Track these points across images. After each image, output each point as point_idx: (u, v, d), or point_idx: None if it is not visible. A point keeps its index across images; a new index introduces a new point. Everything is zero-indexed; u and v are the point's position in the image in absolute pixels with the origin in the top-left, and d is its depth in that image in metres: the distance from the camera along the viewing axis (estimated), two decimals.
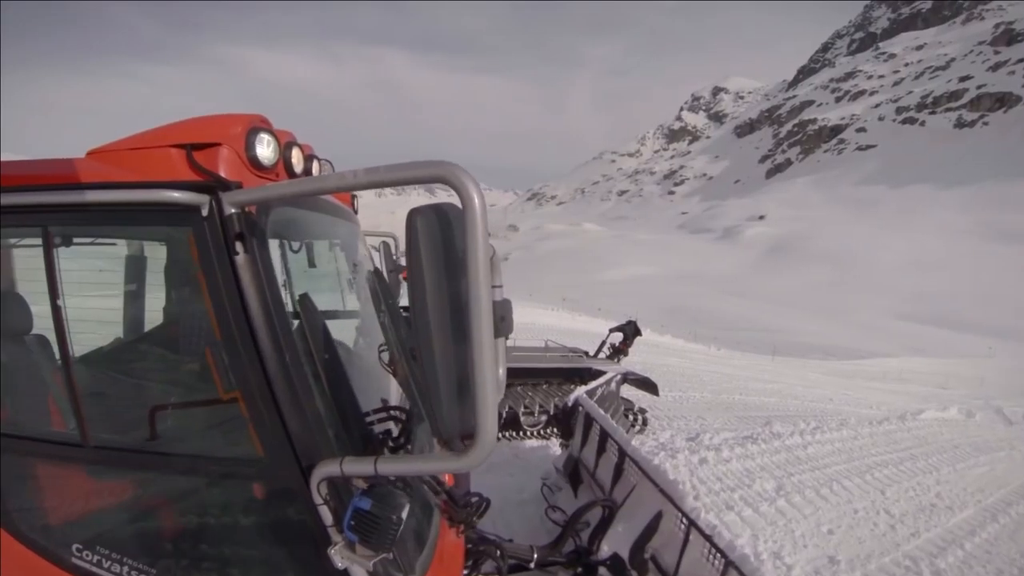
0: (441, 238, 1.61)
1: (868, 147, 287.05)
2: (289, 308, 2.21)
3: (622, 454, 4.91)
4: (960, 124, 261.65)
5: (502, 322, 1.85)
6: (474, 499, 3.40)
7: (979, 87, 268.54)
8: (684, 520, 4.03)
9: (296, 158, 2.25)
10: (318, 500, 1.86)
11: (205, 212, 1.84)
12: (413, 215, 1.63)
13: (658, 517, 4.27)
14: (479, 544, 3.91)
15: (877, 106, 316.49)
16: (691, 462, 8.00)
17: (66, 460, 2.24)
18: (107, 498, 2.35)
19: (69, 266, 2.15)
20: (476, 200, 1.50)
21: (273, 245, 2.19)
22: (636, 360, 18.19)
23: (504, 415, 9.96)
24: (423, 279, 1.60)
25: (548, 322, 33.55)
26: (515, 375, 11.40)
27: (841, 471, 8.49)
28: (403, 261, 4.41)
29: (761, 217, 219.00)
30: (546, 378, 11.72)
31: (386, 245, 4.46)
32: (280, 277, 2.14)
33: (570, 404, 6.45)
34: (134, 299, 3.30)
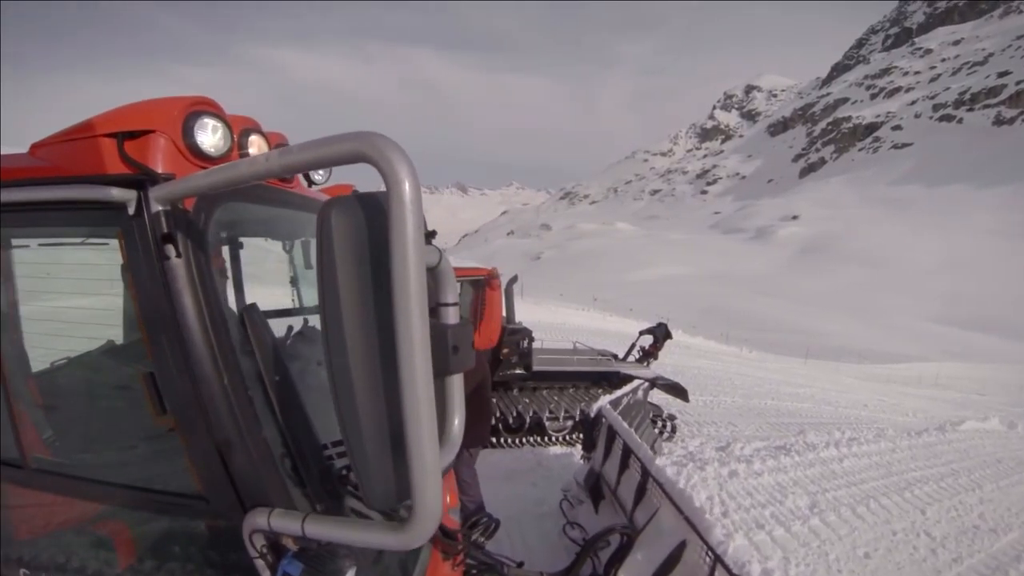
0: (368, 239, 1.30)
1: (904, 145, 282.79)
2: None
3: (645, 473, 4.63)
4: (999, 121, 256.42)
5: (454, 354, 1.47)
6: (483, 519, 3.13)
7: (1018, 83, 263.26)
8: (710, 553, 3.69)
9: (257, 147, 1.97)
10: (253, 553, 1.60)
11: (132, 210, 1.59)
12: (327, 209, 1.30)
13: (681, 547, 3.95)
14: (481, 570, 3.55)
15: (913, 103, 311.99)
16: (721, 475, 7.68)
17: (9, 481, 2.01)
18: (52, 523, 2.13)
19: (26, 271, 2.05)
20: (406, 184, 1.18)
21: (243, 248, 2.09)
22: (667, 362, 17.88)
23: (528, 420, 9.74)
24: (338, 295, 1.29)
25: (579, 322, 33.34)
26: (541, 378, 11.22)
27: (879, 487, 8.09)
28: None
29: (794, 217, 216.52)
30: (573, 382, 11.46)
31: None
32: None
33: (592, 415, 6.15)
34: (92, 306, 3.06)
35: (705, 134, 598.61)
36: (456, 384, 1.75)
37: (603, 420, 5.85)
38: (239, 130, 1.88)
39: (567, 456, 8.89)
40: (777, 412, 14.68)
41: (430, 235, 1.54)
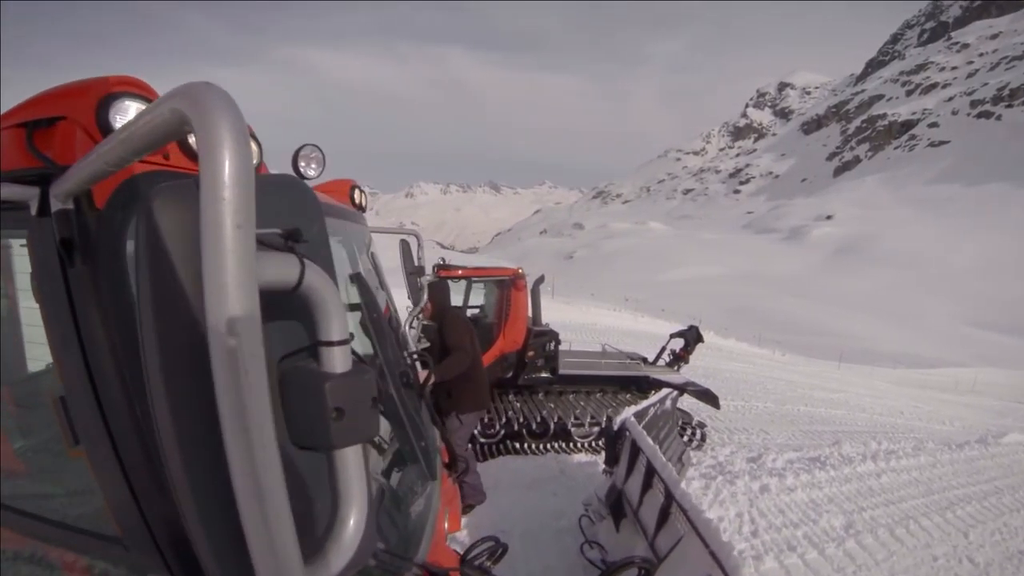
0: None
1: (941, 143, 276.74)
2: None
3: (669, 496, 4.35)
4: None
5: (338, 420, 1.06)
6: (488, 544, 2.91)
7: None
8: None
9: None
10: None
11: (34, 210, 1.36)
12: (148, 198, 0.98)
13: None
14: None
15: (950, 99, 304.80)
16: (751, 490, 7.37)
17: None
18: None
19: None
20: (225, 153, 0.82)
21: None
22: (698, 365, 17.55)
23: (553, 426, 9.49)
24: (154, 313, 0.99)
25: (609, 323, 32.95)
26: (567, 382, 10.98)
27: (919, 506, 7.68)
28: (422, 262, 4.01)
29: (828, 217, 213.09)
30: (600, 386, 11.18)
31: (405, 244, 4.01)
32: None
33: (615, 428, 5.85)
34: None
35: (738, 132, 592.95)
36: (352, 464, 1.20)
37: (627, 433, 5.56)
38: None
39: (591, 465, 8.64)
40: (810, 419, 14.26)
41: (288, 236, 1.08)
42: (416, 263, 4.06)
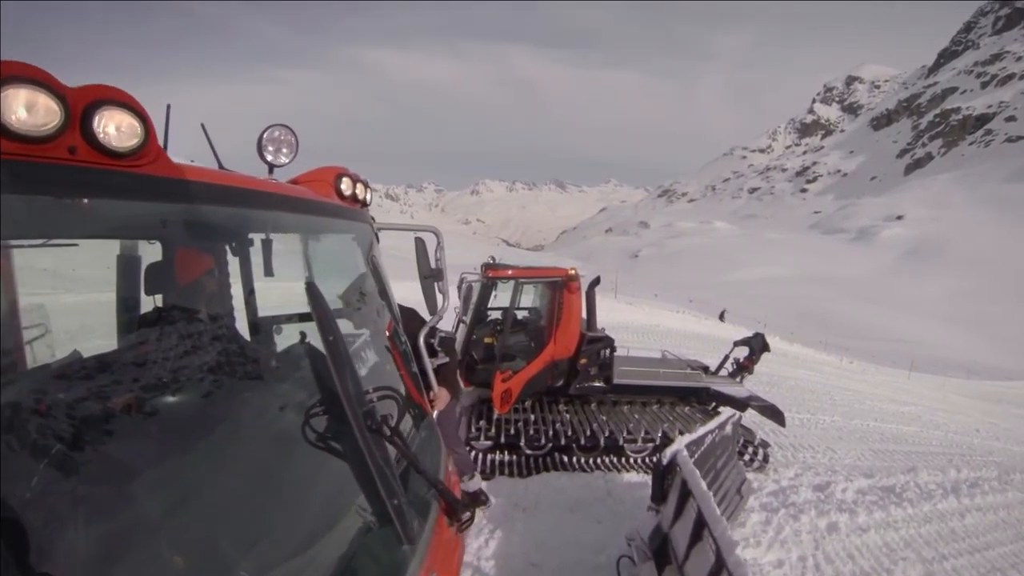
0: None
1: (1018, 138, 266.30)
2: None
3: (720, 561, 3.74)
4: None
5: None
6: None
7: None
8: None
9: (118, 126, 1.39)
10: None
11: None
12: None
13: None
14: None
15: None
16: (818, 528, 6.70)
17: None
18: None
19: None
20: None
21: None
22: (762, 372, 16.85)
23: (603, 440, 8.96)
24: None
25: (672, 325, 32.10)
26: (622, 391, 10.44)
27: (1007, 555, 6.85)
28: (441, 264, 3.46)
29: (899, 217, 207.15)
30: (658, 396, 10.62)
31: (420, 243, 3.52)
32: None
33: (665, 461, 5.14)
34: None
35: (804, 129, 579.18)
36: None
37: (677, 469, 4.96)
38: (87, 102, 1.34)
39: (642, 487, 8.06)
40: (881, 436, 13.41)
41: None
42: (434, 265, 3.56)
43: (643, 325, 30.17)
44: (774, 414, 9.54)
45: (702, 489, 4.34)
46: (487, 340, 10.30)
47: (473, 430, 9.05)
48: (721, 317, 46.44)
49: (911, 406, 19.31)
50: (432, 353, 4.64)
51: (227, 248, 2.65)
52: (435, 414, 3.60)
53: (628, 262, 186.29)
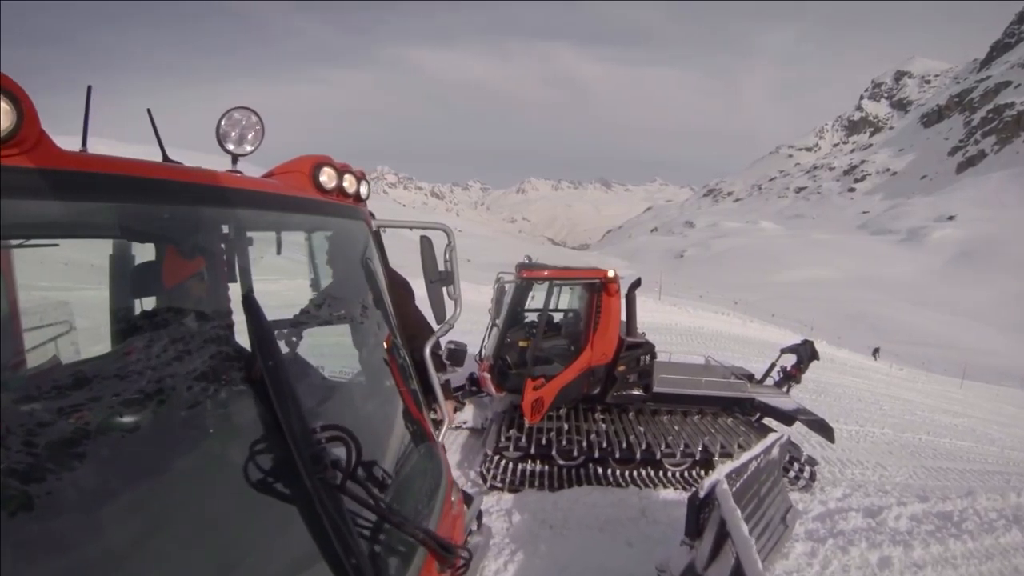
0: None
1: None
2: None
3: None
4: None
5: None
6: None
7: None
8: None
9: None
10: None
11: None
12: None
13: None
14: None
15: None
16: (869, 563, 6.17)
17: None
18: None
19: None
20: None
21: None
22: (808, 378, 16.22)
23: (640, 453, 8.53)
24: None
25: (717, 327, 31.41)
26: (662, 400, 10.01)
27: None
28: (451, 265, 3.16)
29: (950, 218, 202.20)
30: (699, 406, 10.15)
31: (426, 243, 3.13)
32: None
33: (703, 494, 4.67)
34: None
35: (852, 127, 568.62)
36: None
37: (716, 503, 4.50)
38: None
39: (678, 506, 7.59)
40: (934, 451, 12.75)
41: None
42: (443, 267, 3.17)
43: (687, 327, 29.52)
44: (823, 429, 9.01)
45: (743, 534, 3.91)
46: (521, 343, 9.95)
47: (502, 439, 8.70)
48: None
49: (964, 418, 18.62)
50: (440, 367, 4.27)
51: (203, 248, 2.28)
52: (443, 435, 3.22)
53: (673, 262, 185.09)
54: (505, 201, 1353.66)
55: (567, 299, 11.35)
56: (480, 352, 10.61)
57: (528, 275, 9.68)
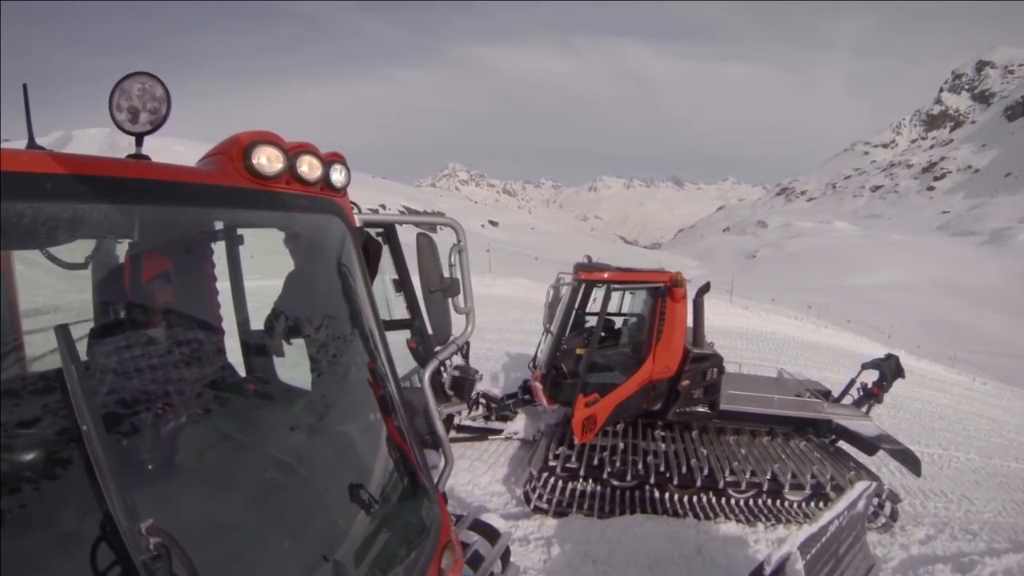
0: None
1: None
2: None
3: None
4: None
5: None
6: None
7: None
8: None
9: None
10: None
11: None
12: None
13: None
14: None
15: None
16: None
17: None
18: None
19: None
20: None
21: None
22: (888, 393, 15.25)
23: (701, 479, 7.80)
24: None
25: (789, 332, 30.18)
26: (728, 418, 9.27)
27: None
28: (458, 271, 2.69)
29: None
30: (770, 425, 9.37)
31: (426, 241, 2.54)
32: None
33: (770, 570, 3.80)
34: None
35: (931, 121, 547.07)
36: None
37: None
38: None
39: (739, 543, 6.95)
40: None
41: None
42: (448, 273, 2.57)
43: (758, 332, 28.46)
44: (909, 461, 8.14)
45: None
46: (579, 350, 9.30)
47: (551, 457, 8.08)
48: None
49: None
50: (442, 397, 3.65)
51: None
52: (444, 481, 2.64)
53: (745, 262, 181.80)
54: (577, 199, 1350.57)
55: (628, 303, 10.58)
56: (534, 359, 9.99)
57: (586, 276, 9.02)
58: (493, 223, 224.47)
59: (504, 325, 20.21)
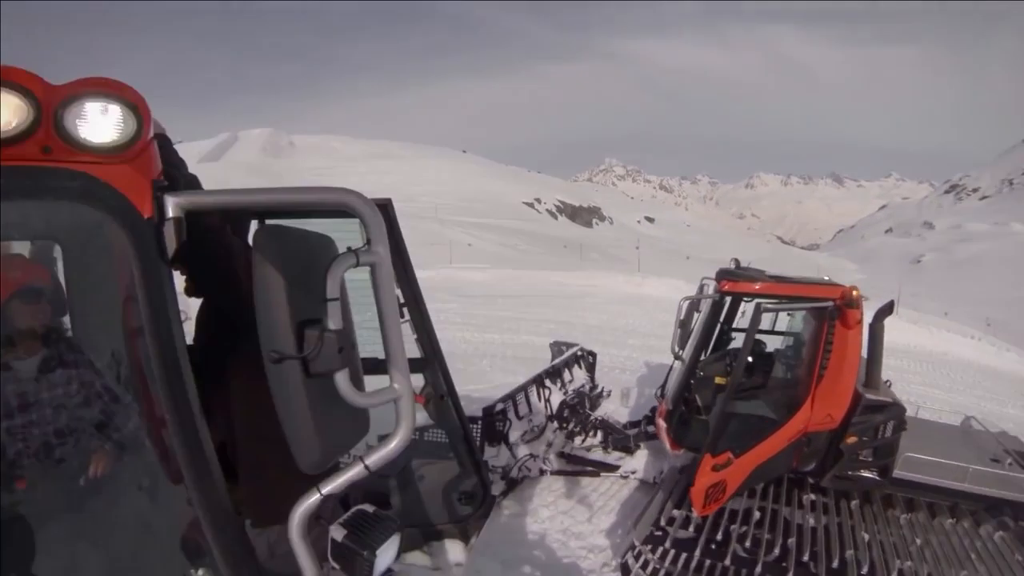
0: None
1: None
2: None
3: None
4: None
5: None
6: None
7: None
8: None
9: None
10: None
11: None
12: None
13: None
14: None
15: None
16: None
17: None
18: None
19: None
20: None
21: None
22: None
23: None
24: None
25: (964, 354, 25.67)
26: (903, 486, 7.01)
27: None
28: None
29: None
30: (954, 500, 6.97)
31: (270, 245, 1.36)
32: None
33: None
34: None
35: None
36: None
37: None
38: None
39: None
40: None
41: None
42: (330, 318, 1.46)
43: (929, 352, 24.41)
44: None
45: None
46: (718, 380, 7.45)
47: (662, 521, 6.37)
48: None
49: None
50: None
51: None
52: None
53: (909, 268, 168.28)
54: (734, 196, 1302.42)
55: (785, 322, 8.39)
56: (662, 387, 8.22)
57: (730, 288, 7.08)
58: (649, 219, 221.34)
59: (649, 329, 18.62)
